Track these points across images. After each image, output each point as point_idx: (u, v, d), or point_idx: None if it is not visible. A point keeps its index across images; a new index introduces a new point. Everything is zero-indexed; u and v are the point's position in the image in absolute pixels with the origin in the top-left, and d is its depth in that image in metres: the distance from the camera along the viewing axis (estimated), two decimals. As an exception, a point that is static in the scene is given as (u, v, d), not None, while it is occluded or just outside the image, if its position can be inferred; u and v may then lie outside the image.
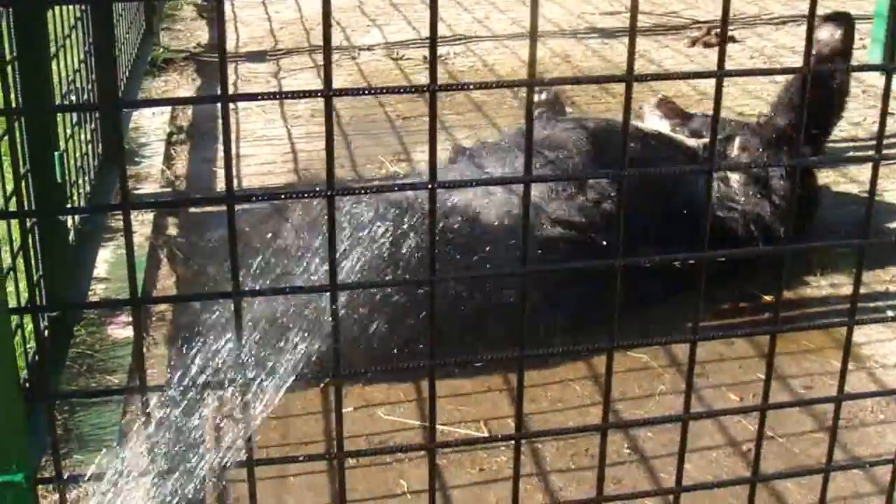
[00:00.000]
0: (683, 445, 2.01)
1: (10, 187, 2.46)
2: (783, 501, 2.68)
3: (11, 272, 2.39)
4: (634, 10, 1.50)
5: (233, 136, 5.26)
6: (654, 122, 4.12)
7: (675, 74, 1.67)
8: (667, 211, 3.40)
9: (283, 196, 1.45)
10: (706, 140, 3.83)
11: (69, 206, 3.02)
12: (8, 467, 1.40)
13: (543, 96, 4.46)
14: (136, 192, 4.38)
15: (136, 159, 4.79)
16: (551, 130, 3.65)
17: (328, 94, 1.41)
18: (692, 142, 3.86)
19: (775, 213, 3.61)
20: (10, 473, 1.40)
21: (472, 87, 1.53)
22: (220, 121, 5.35)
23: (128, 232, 1.40)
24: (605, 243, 3.28)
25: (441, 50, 6.85)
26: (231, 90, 5.99)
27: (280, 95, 1.41)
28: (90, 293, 3.39)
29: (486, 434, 2.94)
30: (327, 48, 1.37)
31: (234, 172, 4.81)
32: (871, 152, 1.85)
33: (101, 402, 2.93)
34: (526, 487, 2.71)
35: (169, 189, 4.47)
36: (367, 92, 1.50)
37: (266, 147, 5.15)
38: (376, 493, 2.71)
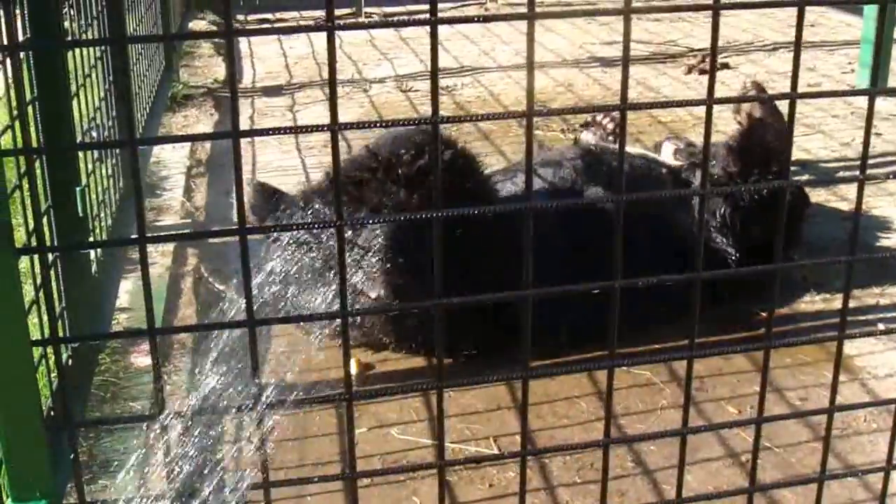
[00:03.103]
0: (683, 458, 2.00)
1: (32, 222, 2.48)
2: (782, 510, 2.68)
3: (35, 305, 2.39)
4: (627, 43, 1.50)
5: (249, 167, 5.27)
6: (667, 154, 4.13)
7: (666, 103, 1.67)
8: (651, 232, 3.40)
9: (294, 227, 1.45)
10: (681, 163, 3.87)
11: (91, 239, 3.02)
12: (31, 494, 1.41)
13: (597, 134, 4.54)
14: (156, 223, 4.40)
15: (157, 192, 4.80)
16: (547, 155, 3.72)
17: (334, 128, 1.41)
18: (674, 163, 3.87)
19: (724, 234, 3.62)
20: (33, 500, 1.40)
21: (472, 119, 1.53)
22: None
23: (144, 264, 1.40)
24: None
25: (449, 81, 6.87)
26: (248, 124, 6.06)
27: (287, 130, 1.41)
28: (113, 323, 3.40)
29: (496, 451, 2.93)
30: (333, 85, 1.37)
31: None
32: (857, 172, 1.85)
33: (125, 427, 2.93)
34: (534, 502, 2.70)
35: (189, 220, 4.47)
36: (372, 125, 1.50)
37: (281, 177, 5.14)
38: (391, 510, 2.71)
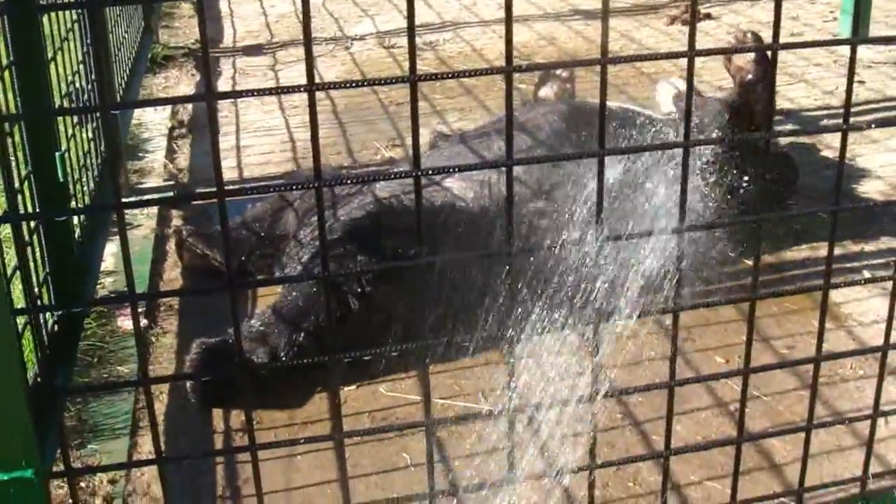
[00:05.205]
0: (671, 411, 2.00)
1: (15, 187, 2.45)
2: (770, 458, 2.68)
3: (18, 271, 2.36)
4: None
5: (232, 128, 5.24)
6: (665, 99, 4.06)
7: (648, 56, 1.65)
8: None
9: (272, 189, 1.42)
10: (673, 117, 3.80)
11: (73, 203, 2.99)
12: (17, 464, 1.39)
13: (554, 87, 4.40)
14: (140, 186, 4.36)
15: (140, 154, 4.76)
16: (529, 115, 3.64)
17: (311, 88, 1.38)
18: (659, 117, 3.82)
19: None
20: (19, 470, 1.38)
21: (450, 76, 1.51)
22: (220, 114, 5.31)
23: (122, 231, 1.38)
24: None
25: (431, 37, 6.82)
26: (230, 84, 6.01)
27: (263, 92, 1.38)
28: (98, 286, 3.37)
29: (484, 406, 2.92)
30: (308, 44, 1.35)
31: (236, 162, 4.79)
32: (841, 120, 1.83)
33: (114, 391, 2.92)
34: (523, 456, 2.70)
35: (172, 182, 4.44)
36: (350, 85, 1.48)
37: (265, 137, 5.12)
38: (381, 466, 2.70)
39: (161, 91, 5.85)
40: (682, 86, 3.96)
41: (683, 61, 1.63)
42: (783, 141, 4.42)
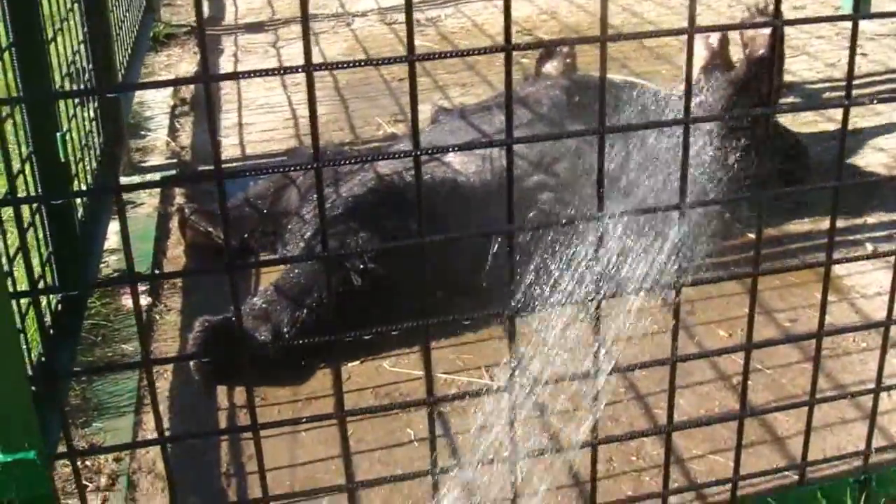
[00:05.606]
0: (673, 386, 2.00)
1: (16, 168, 2.44)
2: (772, 431, 2.67)
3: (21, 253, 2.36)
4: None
5: (234, 106, 5.23)
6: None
7: (647, 33, 1.63)
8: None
9: (270, 170, 1.42)
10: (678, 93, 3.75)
11: (75, 183, 2.98)
12: (19, 446, 1.39)
13: (556, 62, 4.36)
14: (142, 164, 4.36)
15: (142, 133, 4.75)
16: (530, 89, 3.62)
17: (309, 69, 1.37)
18: (663, 92, 3.78)
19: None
20: (21, 452, 1.38)
21: (449, 55, 1.50)
22: (222, 92, 5.30)
23: (122, 214, 1.38)
24: None
25: (432, 12, 6.79)
26: (231, 61, 5.99)
27: (259, 73, 1.37)
28: (103, 265, 3.36)
29: (487, 381, 2.92)
30: (305, 24, 1.34)
31: (238, 140, 4.78)
32: (843, 93, 1.82)
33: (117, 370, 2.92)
34: (527, 430, 2.69)
35: (174, 161, 4.43)
36: (349, 65, 1.46)
37: (268, 114, 5.11)
38: (385, 442, 2.70)
39: (163, 69, 5.83)
40: (709, 51, 3.89)
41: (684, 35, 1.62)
42: (788, 117, 4.40)
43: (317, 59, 5.80)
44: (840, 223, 3.32)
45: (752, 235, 3.55)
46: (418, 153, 1.44)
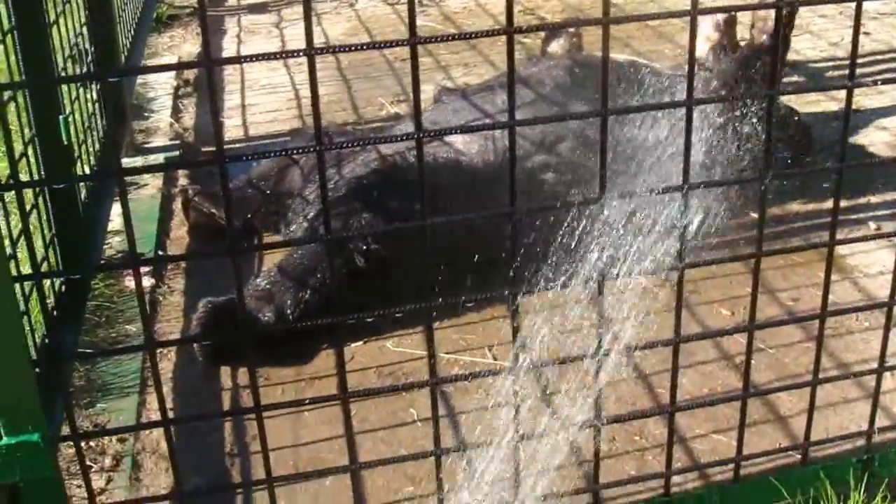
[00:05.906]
0: (675, 367, 2.00)
1: (19, 150, 2.43)
2: (775, 410, 2.67)
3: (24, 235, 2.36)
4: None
5: (238, 87, 5.22)
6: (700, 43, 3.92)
7: (650, 15, 1.62)
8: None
9: (272, 154, 1.41)
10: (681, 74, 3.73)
11: (77, 166, 2.97)
12: (23, 428, 1.39)
13: (562, 41, 4.32)
14: (146, 145, 4.35)
15: (145, 114, 4.74)
16: (533, 69, 3.60)
17: (310, 52, 1.37)
18: (668, 72, 3.75)
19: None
20: (24, 434, 1.38)
21: (451, 38, 1.49)
22: (225, 73, 5.28)
23: (124, 198, 1.37)
24: None
25: (435, -8, 6.78)
26: (235, 42, 5.98)
27: (261, 57, 1.37)
28: (106, 246, 3.36)
29: (490, 360, 2.92)
30: (307, 8, 1.33)
31: (241, 121, 4.77)
32: (846, 72, 1.82)
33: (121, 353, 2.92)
34: (530, 410, 2.69)
35: (178, 142, 4.42)
36: (349, 49, 1.46)
37: (271, 95, 5.10)
38: (388, 422, 2.70)
39: (166, 50, 5.82)
40: (717, 31, 3.85)
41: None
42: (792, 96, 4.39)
43: (319, 39, 5.79)
44: (843, 202, 3.31)
45: (754, 214, 3.54)
46: (420, 135, 1.43)
